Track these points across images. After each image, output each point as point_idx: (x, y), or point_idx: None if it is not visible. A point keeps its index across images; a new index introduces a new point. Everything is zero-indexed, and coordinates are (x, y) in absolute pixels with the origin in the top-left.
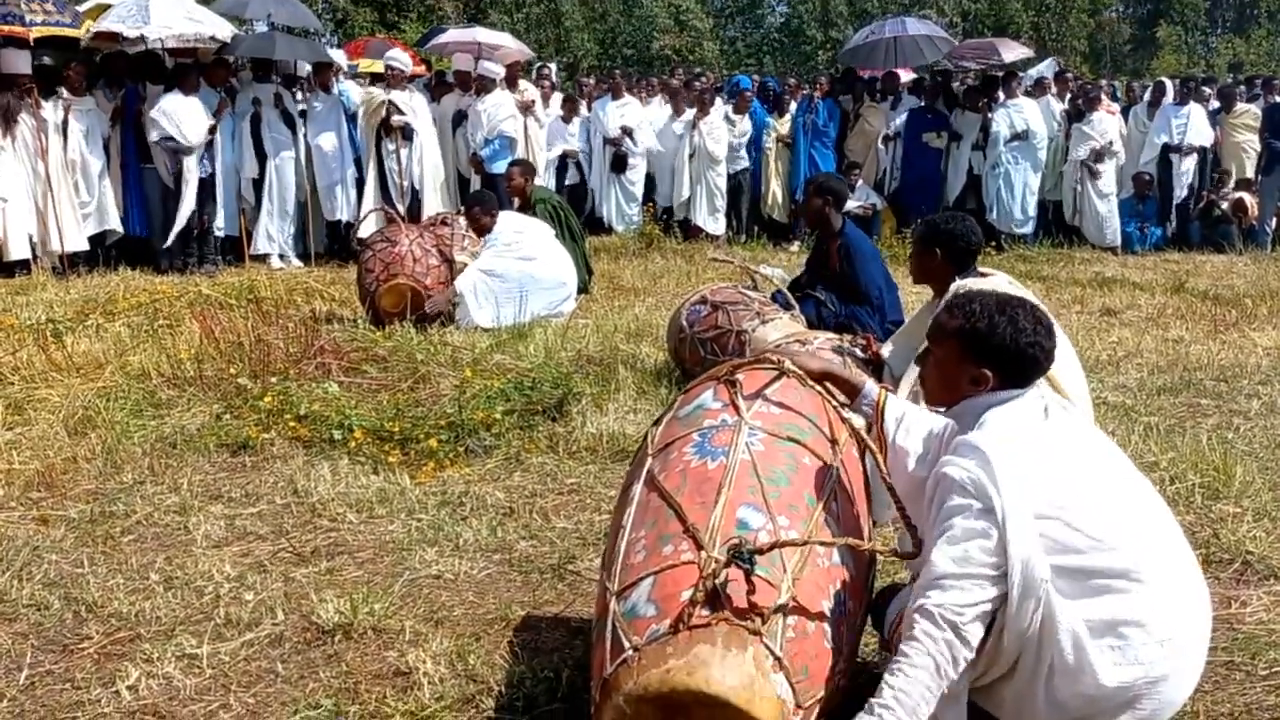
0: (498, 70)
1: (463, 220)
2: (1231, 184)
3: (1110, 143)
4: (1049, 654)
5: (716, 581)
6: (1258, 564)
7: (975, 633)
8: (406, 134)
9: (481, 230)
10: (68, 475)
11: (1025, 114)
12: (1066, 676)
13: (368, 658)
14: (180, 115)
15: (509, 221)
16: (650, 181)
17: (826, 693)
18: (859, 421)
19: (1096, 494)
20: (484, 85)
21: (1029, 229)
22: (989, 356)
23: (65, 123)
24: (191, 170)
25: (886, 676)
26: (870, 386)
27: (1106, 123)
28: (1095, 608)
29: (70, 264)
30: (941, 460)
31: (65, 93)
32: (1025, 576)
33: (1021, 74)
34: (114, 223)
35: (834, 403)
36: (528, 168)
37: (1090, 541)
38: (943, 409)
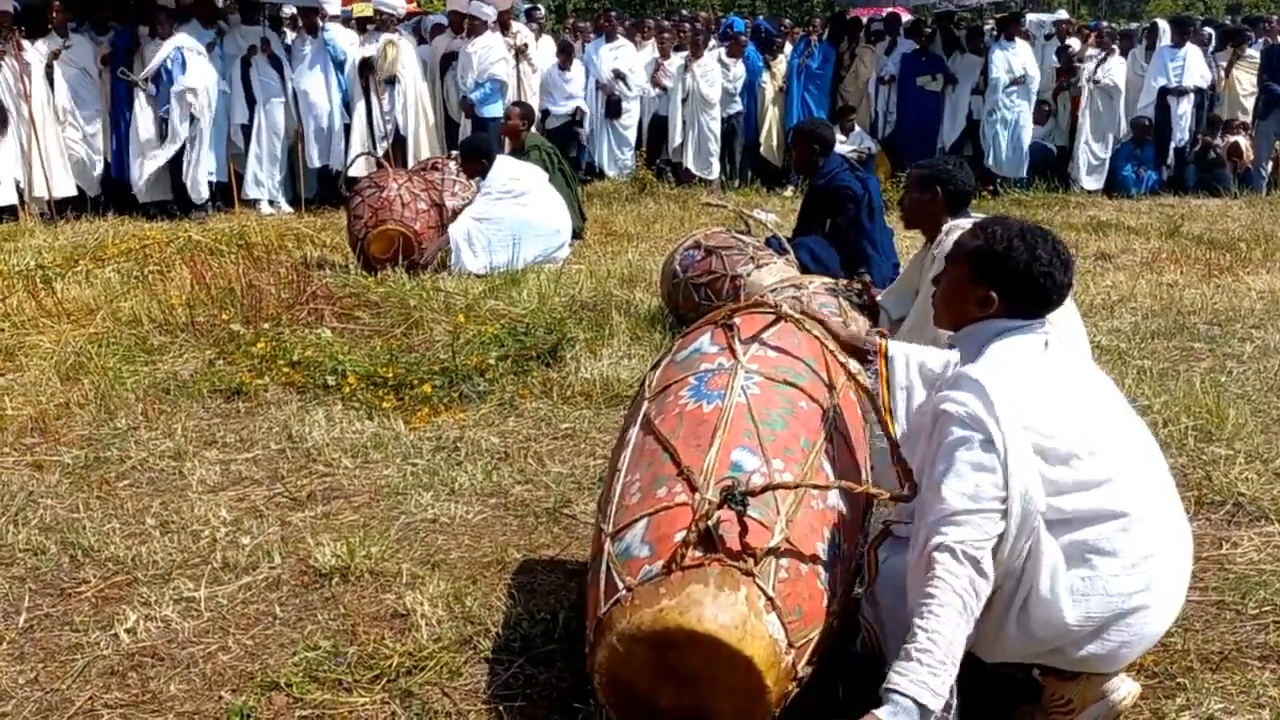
0: (489, 12)
1: (453, 164)
2: (1222, 127)
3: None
4: (1027, 587)
5: (709, 523)
6: (1249, 505)
7: (991, 567)
8: (389, 79)
9: (473, 174)
10: (61, 421)
11: (1022, 58)
12: (1040, 608)
13: (365, 600)
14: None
15: (504, 167)
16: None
17: (820, 632)
18: (855, 365)
19: (1086, 426)
20: (475, 27)
21: (1024, 173)
22: (999, 279)
23: (50, 66)
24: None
25: (917, 620)
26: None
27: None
28: (1074, 535)
29: (58, 209)
30: (940, 395)
31: (54, 33)
32: (1024, 509)
33: (1022, 16)
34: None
35: (831, 347)
36: (528, 112)
37: (1075, 473)
38: (950, 332)
